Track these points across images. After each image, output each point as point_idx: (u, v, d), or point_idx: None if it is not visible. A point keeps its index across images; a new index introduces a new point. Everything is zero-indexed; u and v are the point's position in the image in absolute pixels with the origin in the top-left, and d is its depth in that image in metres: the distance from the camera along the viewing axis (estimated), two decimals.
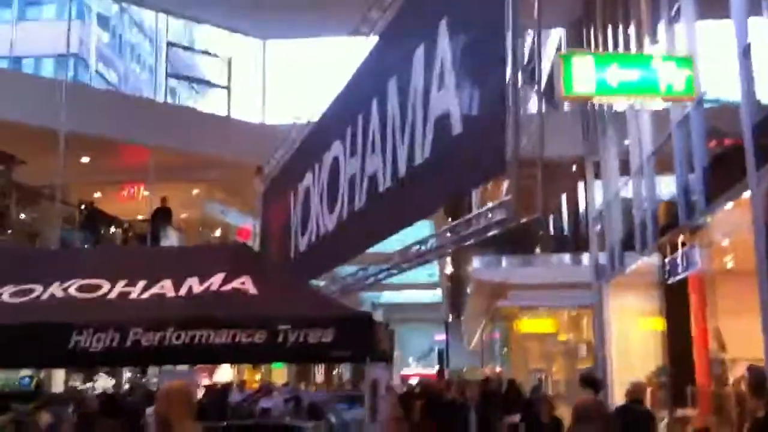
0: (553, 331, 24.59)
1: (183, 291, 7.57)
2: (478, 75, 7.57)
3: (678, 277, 14.32)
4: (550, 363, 24.02)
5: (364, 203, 11.13)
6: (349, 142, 11.98)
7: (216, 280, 7.64)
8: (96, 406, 13.65)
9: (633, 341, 19.34)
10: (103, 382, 25.04)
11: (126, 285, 7.69)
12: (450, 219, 30.92)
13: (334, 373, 43.17)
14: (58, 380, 20.98)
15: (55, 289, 7.61)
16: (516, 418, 14.60)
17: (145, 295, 7.55)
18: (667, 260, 14.97)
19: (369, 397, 14.35)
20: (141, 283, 7.71)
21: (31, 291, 7.61)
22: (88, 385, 23.11)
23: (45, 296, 7.52)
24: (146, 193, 24.89)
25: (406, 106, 9.49)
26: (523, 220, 6.87)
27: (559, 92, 8.74)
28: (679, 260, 14.18)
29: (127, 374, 26.83)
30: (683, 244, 14.28)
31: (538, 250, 26.21)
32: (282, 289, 7.90)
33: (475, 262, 22.93)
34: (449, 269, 40.35)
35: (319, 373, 41.20)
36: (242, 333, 6.92)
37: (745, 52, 10.45)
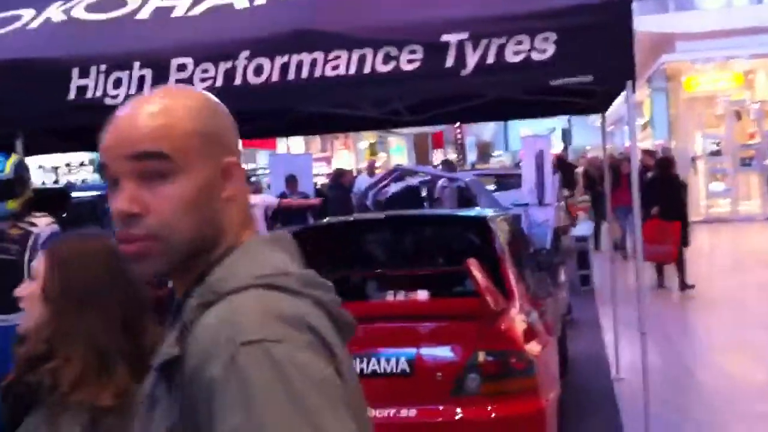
0: (734, 87, 20.40)
1: None
2: None
3: None
4: (726, 127, 20.05)
5: None
6: None
7: None
8: None
9: None
10: None
11: None
12: None
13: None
14: None
15: (52, 13, 4.42)
16: None
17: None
18: None
19: (535, 174, 11.19)
20: None
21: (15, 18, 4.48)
22: None
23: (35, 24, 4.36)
24: None
25: None
26: None
27: None
28: None
29: None
30: None
31: None
32: None
33: (635, 8, 18.56)
34: None
35: None
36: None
37: None
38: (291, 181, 11.30)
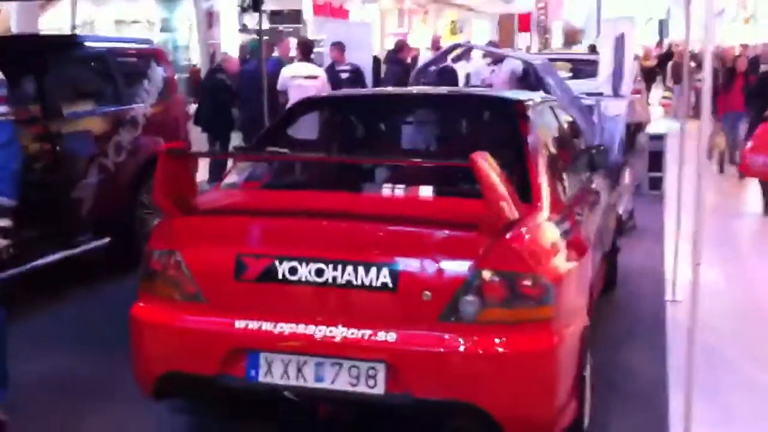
0: None
1: None
2: None
3: None
4: None
5: None
6: None
7: None
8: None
9: None
10: None
11: None
12: None
13: None
14: None
15: None
16: None
17: None
18: None
19: (614, 60, 9.97)
20: None
21: None
22: None
23: None
24: None
25: None
26: None
27: None
28: None
29: None
30: None
31: None
32: None
33: None
34: None
35: None
36: None
37: None
38: (337, 48, 9.94)
